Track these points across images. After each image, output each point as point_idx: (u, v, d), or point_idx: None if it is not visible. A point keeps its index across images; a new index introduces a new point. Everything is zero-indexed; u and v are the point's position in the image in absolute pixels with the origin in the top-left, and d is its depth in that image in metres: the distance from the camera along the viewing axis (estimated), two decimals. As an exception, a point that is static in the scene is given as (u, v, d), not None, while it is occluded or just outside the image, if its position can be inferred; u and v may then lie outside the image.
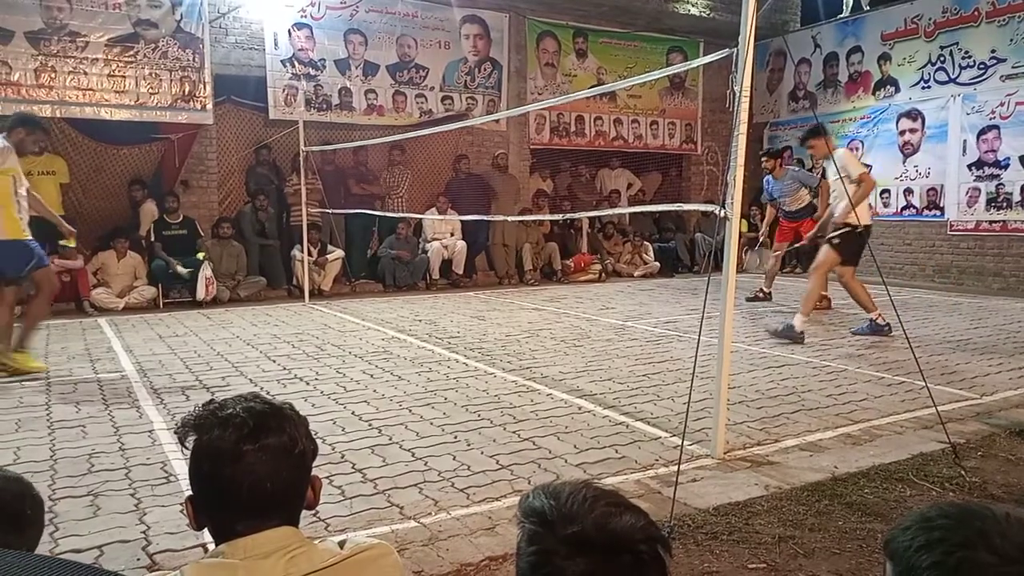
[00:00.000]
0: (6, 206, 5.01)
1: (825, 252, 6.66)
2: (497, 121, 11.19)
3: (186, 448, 1.27)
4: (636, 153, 12.98)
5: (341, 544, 1.29)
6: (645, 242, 12.18)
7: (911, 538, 0.88)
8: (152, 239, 8.91)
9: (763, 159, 8.82)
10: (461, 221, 10.32)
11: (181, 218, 9.13)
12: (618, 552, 0.93)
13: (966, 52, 10.29)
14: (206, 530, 1.29)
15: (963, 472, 3.33)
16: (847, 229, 6.44)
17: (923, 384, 3.95)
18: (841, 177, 6.11)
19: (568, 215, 10.45)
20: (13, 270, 5.15)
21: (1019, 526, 0.86)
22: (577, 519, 0.94)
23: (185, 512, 1.28)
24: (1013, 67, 9.75)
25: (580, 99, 10.82)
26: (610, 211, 11.46)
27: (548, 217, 10.61)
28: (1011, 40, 9.75)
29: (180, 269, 8.75)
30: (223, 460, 1.21)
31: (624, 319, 7.74)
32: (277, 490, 1.23)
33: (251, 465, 1.21)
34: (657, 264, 12.06)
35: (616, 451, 3.67)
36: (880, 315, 6.57)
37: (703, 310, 3.29)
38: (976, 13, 10.14)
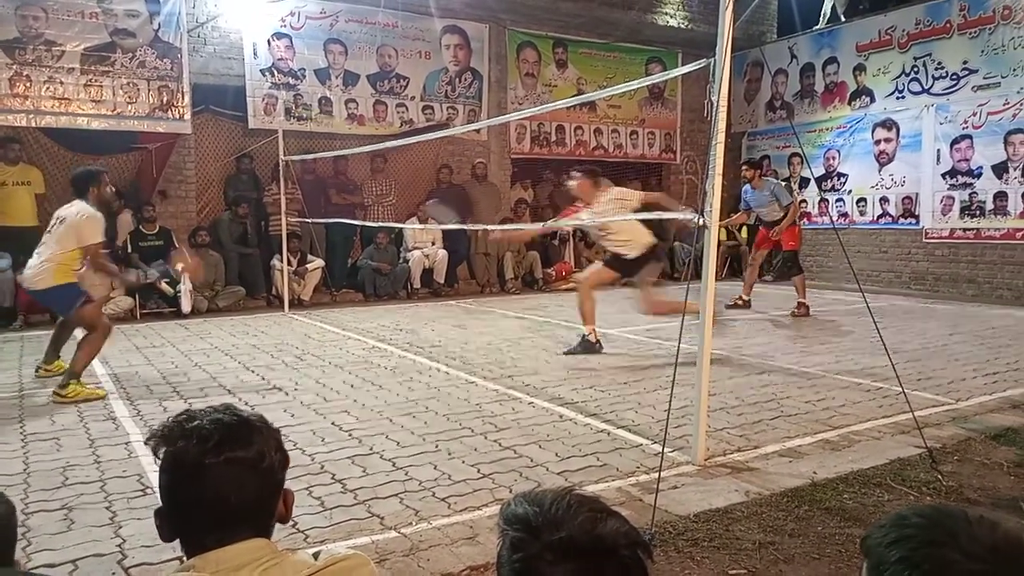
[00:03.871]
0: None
1: (599, 268, 6.51)
2: (478, 131, 11.21)
3: (158, 459, 1.25)
4: (616, 162, 13.03)
5: (315, 555, 1.27)
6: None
7: (884, 535, 0.92)
8: (129, 250, 8.81)
9: (743, 168, 8.90)
10: (442, 230, 10.31)
11: (158, 228, 9.03)
12: (603, 557, 0.93)
13: (939, 63, 10.47)
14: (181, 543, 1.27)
15: (940, 476, 3.37)
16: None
17: (900, 390, 3.99)
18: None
19: (548, 224, 10.45)
20: (65, 310, 5.32)
21: (988, 528, 0.89)
22: (563, 525, 0.94)
23: (157, 524, 1.26)
24: (984, 78, 9.93)
25: (560, 109, 10.87)
26: (591, 220, 11.46)
27: (529, 226, 10.61)
28: (982, 51, 9.93)
29: (164, 287, 8.66)
30: (188, 472, 1.20)
31: (605, 327, 7.74)
32: (243, 503, 1.22)
33: (215, 477, 1.19)
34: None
35: (597, 459, 3.67)
36: (594, 331, 6.31)
37: (682, 317, 3.30)
38: (948, 25, 10.33)
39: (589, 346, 6.31)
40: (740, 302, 8.95)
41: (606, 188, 6.48)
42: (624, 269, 6.30)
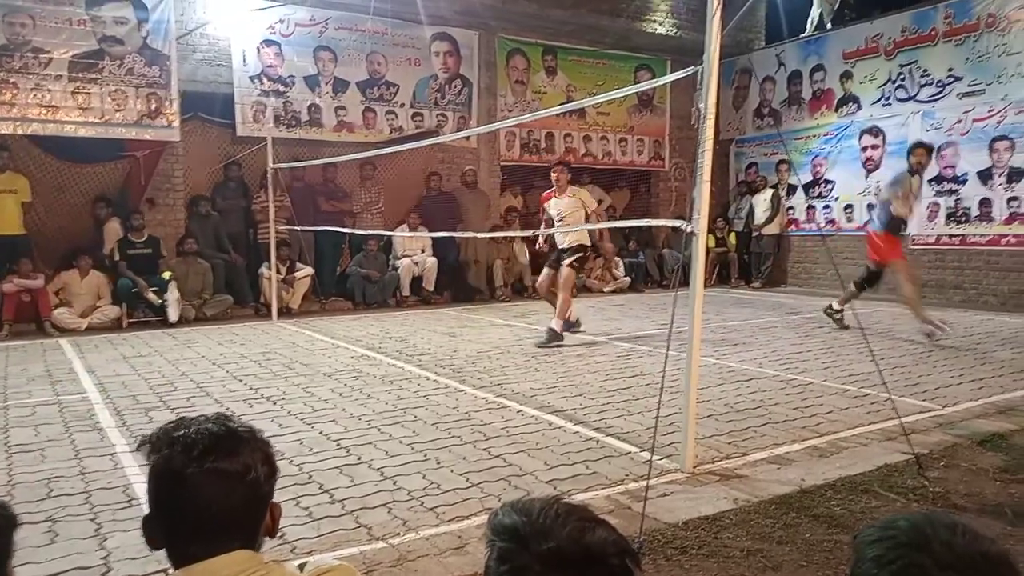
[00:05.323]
0: None
1: (567, 272, 7.35)
2: (468, 138, 11.23)
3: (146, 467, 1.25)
4: (605, 169, 13.10)
5: (301, 567, 1.27)
6: (615, 257, 12.25)
7: (869, 533, 0.96)
8: (116, 258, 8.76)
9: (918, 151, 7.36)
10: (432, 238, 10.30)
11: (146, 236, 8.98)
12: (592, 566, 0.93)
13: (925, 70, 10.56)
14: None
15: (927, 482, 3.38)
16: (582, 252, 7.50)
17: (887, 396, 4.01)
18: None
19: (537, 231, 10.47)
20: None
21: (968, 539, 0.91)
22: (552, 535, 0.94)
23: (143, 533, 1.25)
24: (970, 85, 10.02)
25: (550, 116, 10.85)
26: (580, 227, 11.48)
27: (518, 233, 10.64)
28: (967, 59, 10.03)
29: (152, 296, 8.61)
30: (170, 481, 1.20)
31: (594, 334, 7.76)
32: (227, 514, 1.21)
33: (198, 488, 1.19)
34: (627, 279, 12.13)
35: (587, 467, 3.67)
36: (562, 324, 7.13)
37: (671, 325, 3.31)
38: (934, 32, 10.42)
39: (556, 336, 7.06)
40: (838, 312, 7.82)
41: (574, 185, 7.78)
42: (555, 255, 7.48)
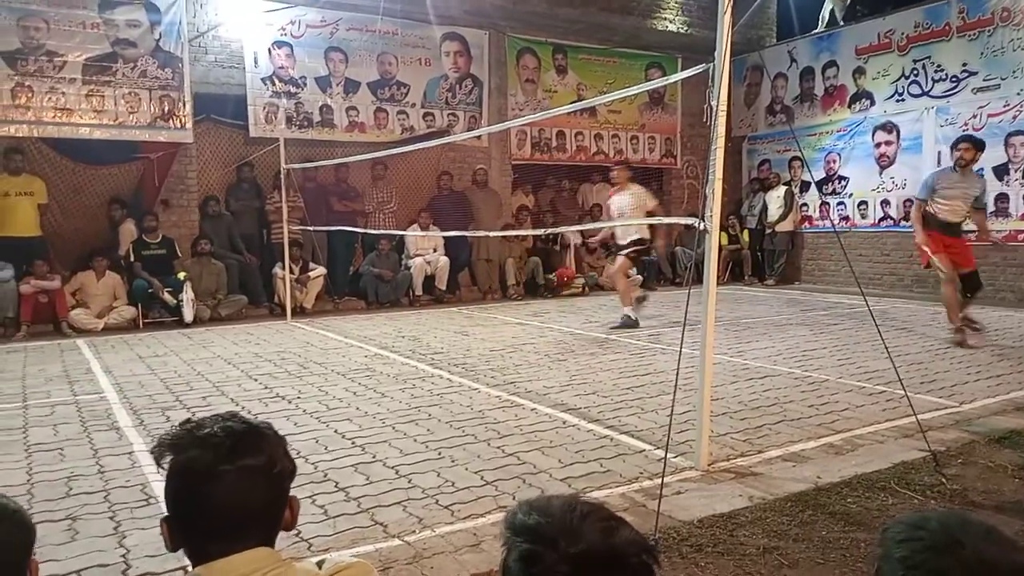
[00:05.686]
0: None
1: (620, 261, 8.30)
2: (479, 137, 11.23)
3: (162, 468, 1.25)
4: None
5: (319, 564, 1.28)
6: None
7: (899, 531, 0.94)
8: (131, 259, 8.83)
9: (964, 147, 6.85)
10: (444, 237, 10.33)
11: (160, 237, 9.05)
12: (617, 566, 0.93)
13: (938, 66, 10.47)
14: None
15: (944, 480, 3.36)
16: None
17: (903, 393, 3.98)
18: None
19: (550, 230, 10.50)
20: None
21: (1000, 547, 0.88)
22: (580, 536, 0.94)
23: (162, 533, 1.26)
24: (984, 80, 9.93)
25: (561, 115, 10.87)
26: (591, 225, 11.49)
27: (530, 232, 10.64)
28: (981, 54, 9.94)
29: (167, 297, 8.68)
30: (200, 480, 1.20)
31: (607, 332, 7.75)
32: (254, 510, 1.22)
33: (228, 485, 1.20)
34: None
35: (601, 465, 3.67)
36: (635, 310, 8.07)
37: (684, 322, 3.30)
38: (947, 27, 10.34)
39: (630, 321, 7.97)
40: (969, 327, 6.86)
41: (634, 182, 8.46)
42: (615, 249, 8.43)
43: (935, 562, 0.87)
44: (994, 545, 0.88)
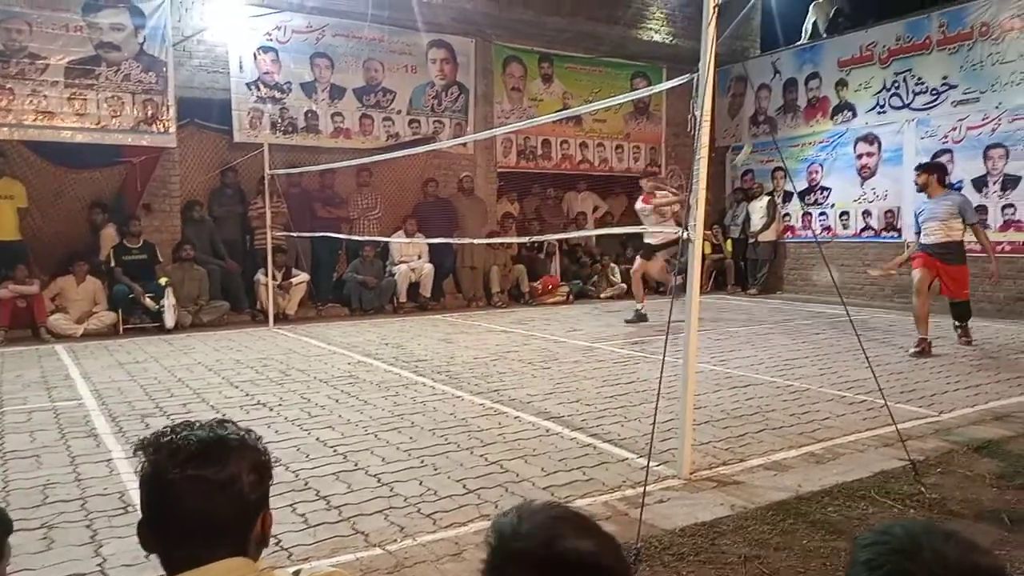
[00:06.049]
0: None
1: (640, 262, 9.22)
2: (464, 145, 11.24)
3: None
4: (602, 176, 13.12)
5: (296, 573, 1.26)
6: (612, 264, 12.29)
7: (866, 537, 0.96)
8: (112, 264, 8.74)
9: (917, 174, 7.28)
10: (428, 244, 10.31)
11: (142, 242, 8.97)
12: (565, 573, 0.95)
13: (919, 78, 10.61)
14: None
15: (923, 489, 3.38)
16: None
17: (884, 403, 4.02)
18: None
19: (534, 238, 10.51)
20: None
21: (961, 550, 0.90)
22: (529, 538, 0.97)
23: (138, 533, 1.25)
24: (964, 93, 10.07)
25: (546, 123, 10.93)
26: (576, 233, 11.54)
27: (515, 239, 10.65)
28: (961, 67, 10.08)
29: (148, 302, 8.59)
30: (156, 484, 1.21)
31: (591, 340, 7.77)
32: (210, 521, 1.20)
33: (181, 492, 1.19)
34: (624, 286, 12.13)
35: (583, 473, 3.67)
36: (643, 306, 8.86)
37: (667, 331, 3.31)
38: (928, 41, 10.48)
39: (641, 316, 8.80)
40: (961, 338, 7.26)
41: (661, 188, 9.32)
42: (648, 251, 9.12)
43: (896, 563, 0.89)
44: (954, 547, 0.90)
